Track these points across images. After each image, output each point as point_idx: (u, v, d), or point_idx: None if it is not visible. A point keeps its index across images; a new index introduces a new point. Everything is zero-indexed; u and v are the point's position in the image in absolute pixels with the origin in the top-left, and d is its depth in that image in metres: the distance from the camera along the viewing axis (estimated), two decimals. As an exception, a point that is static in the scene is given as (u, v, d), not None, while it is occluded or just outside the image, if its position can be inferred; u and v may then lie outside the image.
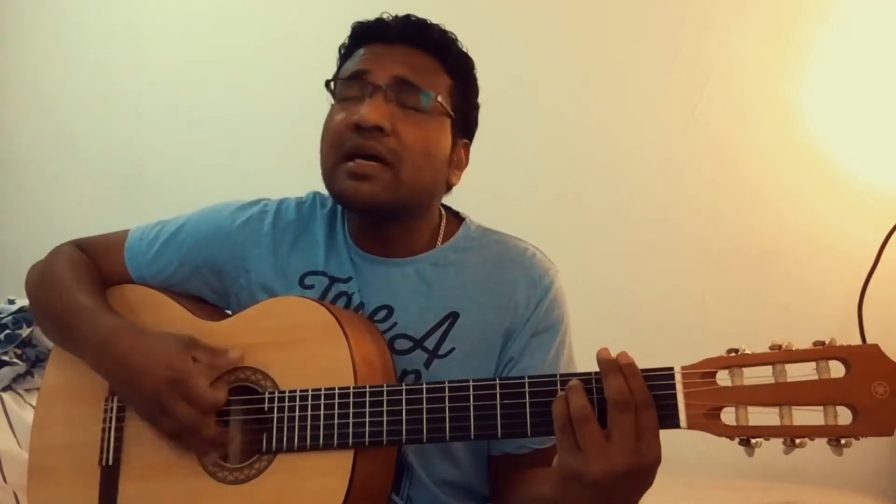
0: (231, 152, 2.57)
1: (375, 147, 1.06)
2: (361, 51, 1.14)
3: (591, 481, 0.85)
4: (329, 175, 1.11)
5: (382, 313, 1.14)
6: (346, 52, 1.17)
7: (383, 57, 1.11)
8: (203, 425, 1.02)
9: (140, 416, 1.08)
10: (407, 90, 1.09)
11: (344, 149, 1.08)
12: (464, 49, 1.18)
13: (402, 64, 1.10)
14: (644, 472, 0.86)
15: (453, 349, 1.13)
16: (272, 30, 2.58)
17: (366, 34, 1.15)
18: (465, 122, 1.18)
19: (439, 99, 1.11)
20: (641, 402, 0.86)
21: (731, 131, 2.11)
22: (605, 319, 2.04)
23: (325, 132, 1.12)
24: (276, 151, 2.50)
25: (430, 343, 1.13)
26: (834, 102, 2.02)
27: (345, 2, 2.46)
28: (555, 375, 0.94)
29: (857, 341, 1.87)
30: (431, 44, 1.13)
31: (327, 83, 1.15)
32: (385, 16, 1.15)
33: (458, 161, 1.18)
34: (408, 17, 1.15)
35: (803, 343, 0.84)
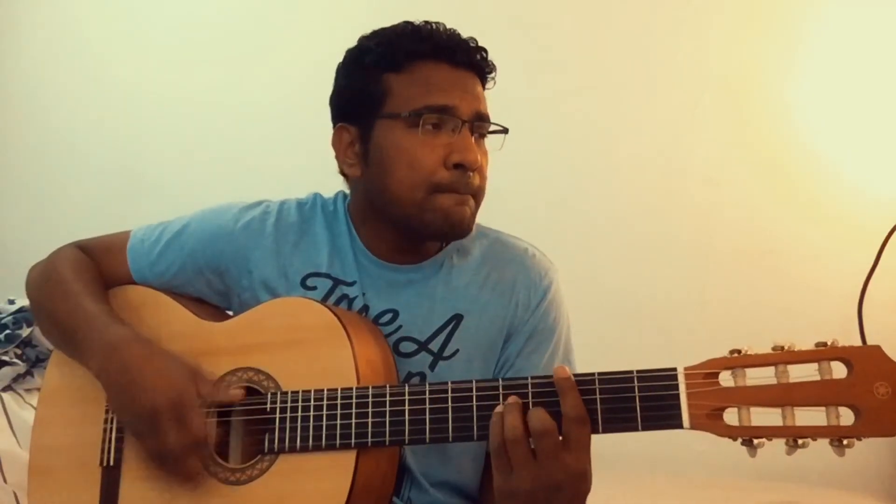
0: (231, 152, 2.57)
1: (472, 185, 1.10)
2: (435, 74, 1.10)
3: (525, 498, 0.90)
4: (419, 205, 1.09)
5: (387, 316, 1.15)
6: (408, 52, 1.10)
7: (461, 88, 1.10)
8: (183, 457, 1.03)
9: (128, 428, 1.09)
10: (482, 124, 1.12)
11: (441, 184, 1.08)
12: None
13: (476, 96, 1.12)
14: (574, 483, 0.90)
15: (458, 351, 1.14)
16: (273, 29, 2.58)
17: (436, 51, 1.11)
18: None
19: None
20: (576, 417, 0.89)
21: (730, 132, 2.11)
22: (605, 320, 2.04)
23: (410, 161, 1.08)
24: (276, 151, 2.50)
25: (434, 345, 1.14)
26: (834, 103, 2.02)
27: (344, 5, 2.49)
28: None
29: (858, 342, 1.88)
30: (485, 72, 1.15)
31: (406, 113, 1.08)
32: (439, 28, 1.13)
33: None
34: (474, 42, 1.14)
35: (805, 344, 0.85)
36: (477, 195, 1.11)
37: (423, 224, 1.09)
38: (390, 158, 1.10)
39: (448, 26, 1.14)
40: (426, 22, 1.14)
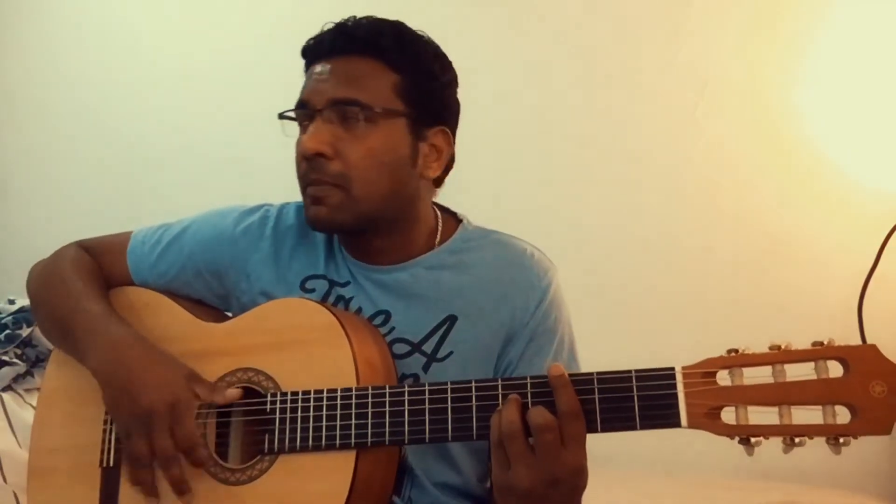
0: (231, 154, 2.57)
1: (322, 175, 1.08)
2: (307, 75, 1.15)
3: (523, 493, 0.90)
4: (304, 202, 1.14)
5: (380, 318, 1.14)
6: (305, 60, 1.17)
7: (320, 79, 1.11)
8: (170, 462, 1.03)
9: (119, 426, 1.08)
10: (343, 108, 1.08)
11: (303, 179, 1.11)
12: (406, 35, 1.12)
13: (338, 82, 1.09)
14: (572, 478, 0.91)
15: (451, 353, 1.13)
16: (272, 32, 2.58)
17: (308, 54, 1.15)
18: (427, 110, 1.13)
19: (379, 106, 1.08)
20: (570, 412, 0.90)
21: (730, 132, 2.11)
22: (605, 319, 2.04)
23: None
24: (276, 153, 2.48)
25: (428, 347, 1.13)
26: (834, 103, 2.02)
27: (344, 5, 2.49)
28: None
29: (858, 342, 1.87)
30: (362, 46, 1.10)
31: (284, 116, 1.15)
32: (327, 26, 1.14)
33: (430, 153, 1.14)
34: (341, 24, 1.13)
35: (802, 343, 0.85)
36: (342, 183, 1.08)
37: (307, 223, 1.13)
38: None
39: (361, 16, 1.12)
40: (345, 19, 1.14)
